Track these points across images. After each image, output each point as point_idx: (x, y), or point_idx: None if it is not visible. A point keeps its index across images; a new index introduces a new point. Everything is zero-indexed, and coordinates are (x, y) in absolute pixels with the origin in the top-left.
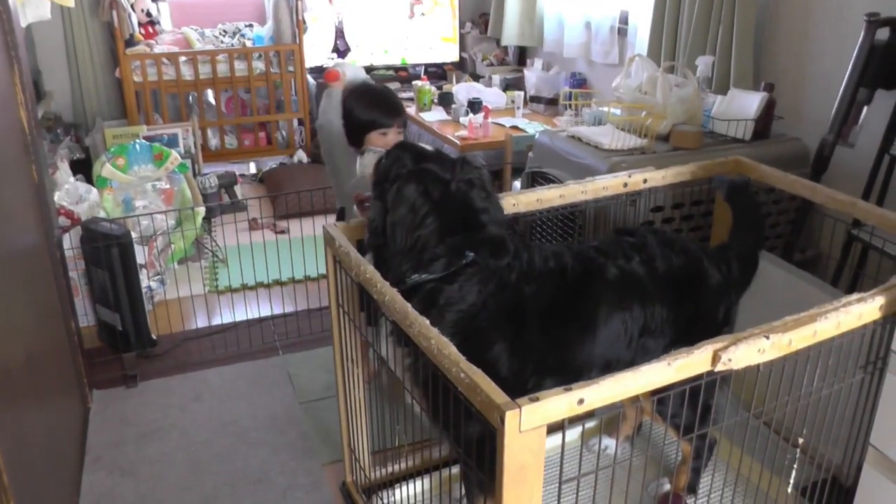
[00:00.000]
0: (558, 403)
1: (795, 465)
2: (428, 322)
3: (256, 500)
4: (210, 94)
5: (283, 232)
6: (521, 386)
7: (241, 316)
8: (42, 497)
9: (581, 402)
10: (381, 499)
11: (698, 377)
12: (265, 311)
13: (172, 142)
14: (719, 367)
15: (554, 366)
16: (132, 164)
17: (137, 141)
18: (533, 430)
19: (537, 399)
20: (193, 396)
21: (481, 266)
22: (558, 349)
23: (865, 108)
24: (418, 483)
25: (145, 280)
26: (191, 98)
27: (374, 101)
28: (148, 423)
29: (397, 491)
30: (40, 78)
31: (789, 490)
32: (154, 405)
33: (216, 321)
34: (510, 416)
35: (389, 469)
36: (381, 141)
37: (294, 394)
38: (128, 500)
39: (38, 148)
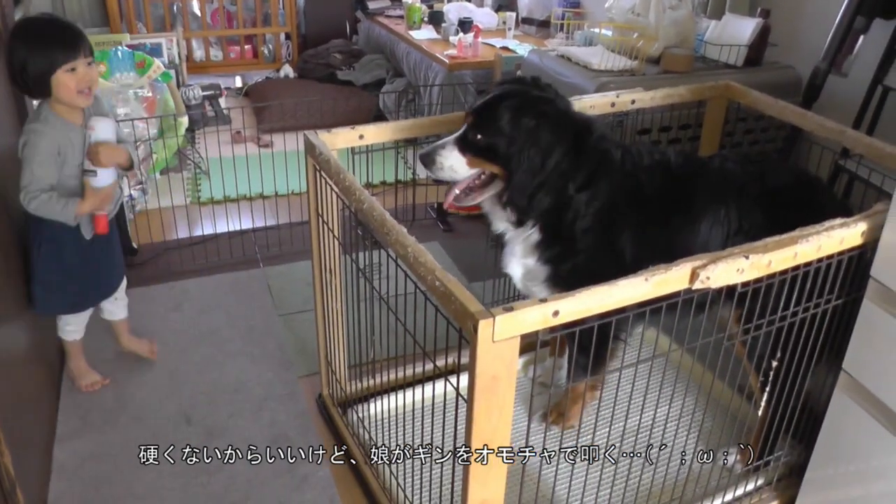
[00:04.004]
0: (533, 314)
1: (767, 390)
2: (405, 230)
3: (233, 409)
4: (195, 5)
5: (267, 146)
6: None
7: (222, 228)
8: (21, 403)
9: (556, 314)
10: (357, 412)
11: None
12: (247, 224)
13: (156, 51)
14: (697, 285)
15: (664, 250)
16: (114, 70)
17: (119, 48)
18: (506, 341)
19: (511, 309)
20: (173, 306)
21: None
22: (669, 234)
23: (861, 38)
24: (393, 398)
25: (126, 189)
26: (175, 7)
27: (45, 38)
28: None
29: (373, 405)
30: None
31: (759, 413)
32: (134, 313)
33: (197, 232)
34: (483, 325)
35: (365, 383)
36: (73, 80)
37: (273, 306)
38: (107, 406)
39: None
